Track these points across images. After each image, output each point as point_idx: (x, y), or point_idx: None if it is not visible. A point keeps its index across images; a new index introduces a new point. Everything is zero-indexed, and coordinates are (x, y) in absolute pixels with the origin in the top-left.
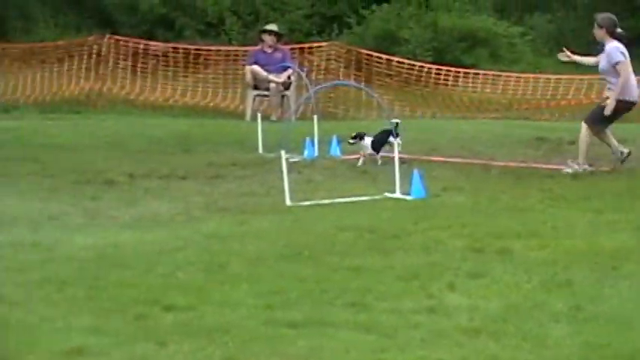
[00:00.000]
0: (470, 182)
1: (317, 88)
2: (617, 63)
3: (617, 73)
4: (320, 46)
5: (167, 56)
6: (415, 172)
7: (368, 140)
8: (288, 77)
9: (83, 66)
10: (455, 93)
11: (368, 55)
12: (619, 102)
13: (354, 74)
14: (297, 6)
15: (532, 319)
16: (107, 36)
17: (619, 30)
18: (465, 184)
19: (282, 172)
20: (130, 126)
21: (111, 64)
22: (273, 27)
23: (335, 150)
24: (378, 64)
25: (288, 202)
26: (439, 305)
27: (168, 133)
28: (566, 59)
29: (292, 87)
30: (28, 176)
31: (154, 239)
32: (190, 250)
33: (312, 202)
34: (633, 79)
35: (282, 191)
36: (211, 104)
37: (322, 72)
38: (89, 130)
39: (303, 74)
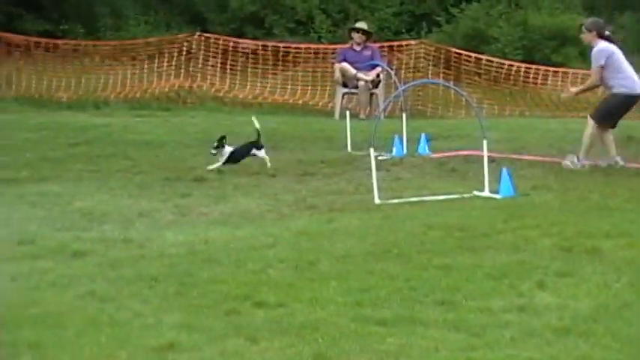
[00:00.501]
0: (558, 181)
1: (406, 86)
2: (596, 66)
3: (607, 71)
4: (409, 45)
5: (256, 54)
6: (504, 170)
7: (228, 150)
8: (377, 75)
9: (173, 63)
10: (544, 91)
11: (457, 53)
12: (625, 96)
13: (443, 72)
14: (386, 4)
15: (622, 318)
16: (197, 33)
17: (607, 32)
18: (553, 183)
19: (370, 169)
20: (219, 123)
21: (201, 61)
22: (362, 25)
23: (423, 148)
24: (467, 63)
25: (376, 200)
26: (528, 304)
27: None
28: (567, 95)
29: (381, 85)
30: (118, 173)
31: (244, 236)
32: (280, 247)
33: (401, 200)
34: (631, 72)
35: (371, 189)
36: (300, 102)
37: (411, 70)
38: (179, 127)
39: (392, 72)
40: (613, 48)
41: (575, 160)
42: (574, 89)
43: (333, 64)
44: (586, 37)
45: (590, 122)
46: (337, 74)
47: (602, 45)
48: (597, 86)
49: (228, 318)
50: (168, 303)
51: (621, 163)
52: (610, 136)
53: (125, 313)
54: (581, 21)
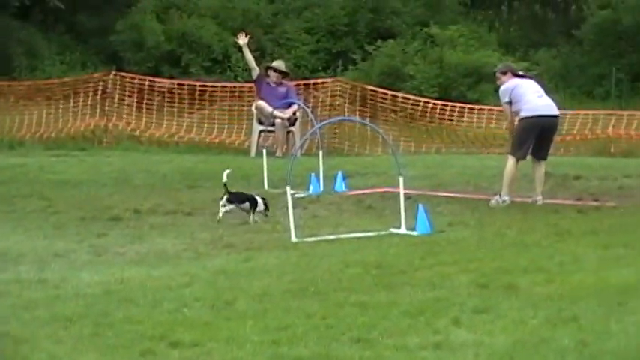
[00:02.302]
0: (475, 217)
1: (322, 123)
2: (503, 102)
3: (514, 104)
4: (325, 82)
5: (173, 92)
6: (420, 207)
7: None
8: (294, 113)
9: (89, 102)
10: (460, 128)
11: (373, 90)
12: (525, 119)
13: (360, 110)
14: (303, 42)
15: (538, 354)
16: (113, 72)
17: (518, 71)
18: (470, 220)
19: (287, 207)
20: (135, 162)
21: (116, 100)
22: (280, 65)
23: (340, 186)
24: (383, 100)
25: (293, 238)
26: (445, 341)
27: (173, 169)
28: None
29: (297, 123)
30: (34, 213)
31: (160, 275)
32: (197, 286)
33: (318, 238)
34: (532, 97)
35: (288, 227)
36: (216, 140)
37: (327, 108)
38: (95, 166)
39: (309, 110)
40: (517, 82)
41: (499, 198)
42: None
43: (249, 102)
44: (502, 79)
45: (509, 159)
46: (256, 110)
47: (507, 83)
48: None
49: (144, 358)
50: (84, 344)
51: (540, 202)
52: (539, 172)
53: (40, 354)
54: (496, 60)
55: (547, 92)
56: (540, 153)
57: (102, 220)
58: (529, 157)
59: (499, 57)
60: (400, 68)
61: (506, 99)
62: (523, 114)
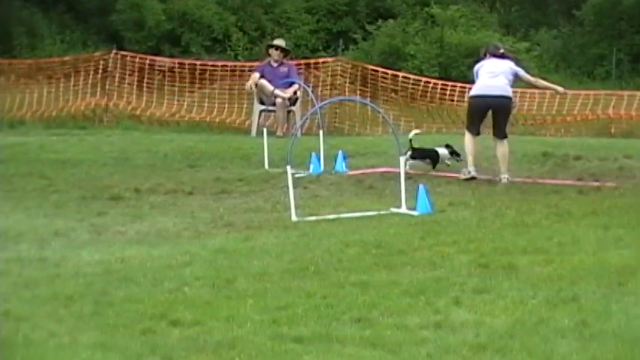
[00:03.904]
0: (475, 198)
1: (323, 103)
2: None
3: None
4: (326, 62)
5: (173, 72)
6: (421, 187)
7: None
8: (295, 92)
9: (89, 81)
10: (460, 108)
11: (374, 70)
12: (470, 98)
13: (360, 90)
14: (303, 22)
15: (538, 335)
16: (113, 51)
17: (500, 51)
18: (470, 200)
19: (287, 187)
20: (135, 141)
21: (117, 79)
22: (280, 43)
23: (341, 165)
24: (383, 80)
25: (294, 218)
26: (445, 321)
27: (174, 149)
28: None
29: (298, 102)
30: (34, 192)
31: (161, 254)
32: (197, 266)
33: (318, 218)
34: (484, 77)
35: (288, 207)
36: (217, 120)
37: (328, 87)
38: (95, 145)
39: (309, 89)
40: (484, 62)
41: (465, 170)
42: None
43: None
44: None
45: (466, 133)
46: (249, 83)
47: (481, 62)
48: None
49: (144, 337)
50: (84, 322)
51: (472, 174)
52: (499, 150)
53: (40, 332)
54: (497, 38)
55: (540, 75)
56: (495, 131)
57: (102, 199)
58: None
59: (499, 37)
60: (401, 48)
61: (475, 77)
62: (470, 93)
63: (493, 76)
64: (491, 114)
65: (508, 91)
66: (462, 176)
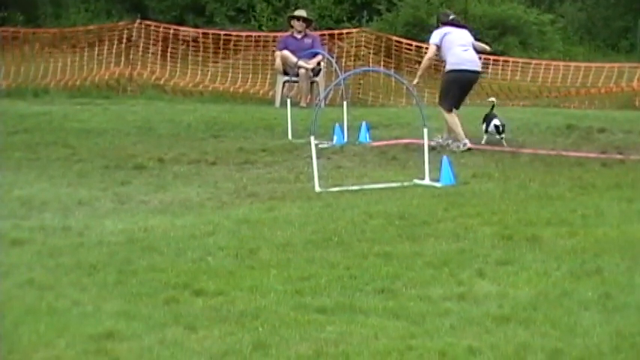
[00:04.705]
0: (499, 170)
1: (347, 74)
2: (432, 43)
3: (442, 50)
4: (350, 33)
5: (197, 42)
6: (444, 158)
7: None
8: (318, 63)
9: (113, 51)
10: (484, 80)
11: (398, 41)
12: (452, 72)
13: (384, 61)
14: None
15: (561, 307)
16: (137, 21)
17: (451, 17)
18: (494, 172)
19: (311, 158)
20: (159, 111)
21: (141, 49)
22: (302, 13)
23: (364, 136)
24: (407, 51)
25: (317, 188)
26: (468, 292)
27: (197, 119)
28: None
29: (322, 73)
30: (58, 161)
31: (184, 224)
32: (220, 236)
33: (342, 189)
34: (458, 50)
35: (312, 177)
36: (241, 90)
37: (352, 58)
38: (119, 114)
39: (333, 60)
40: (450, 29)
41: (459, 143)
42: (417, 75)
43: (273, 52)
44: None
45: (442, 112)
46: (278, 62)
47: (442, 28)
48: (430, 64)
49: (168, 306)
50: (108, 291)
51: (469, 145)
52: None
53: (64, 301)
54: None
55: (475, 47)
56: (457, 104)
57: (126, 169)
58: None
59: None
60: (425, 19)
61: (437, 41)
62: (449, 67)
63: (466, 49)
64: (462, 87)
65: (479, 67)
66: (459, 149)
